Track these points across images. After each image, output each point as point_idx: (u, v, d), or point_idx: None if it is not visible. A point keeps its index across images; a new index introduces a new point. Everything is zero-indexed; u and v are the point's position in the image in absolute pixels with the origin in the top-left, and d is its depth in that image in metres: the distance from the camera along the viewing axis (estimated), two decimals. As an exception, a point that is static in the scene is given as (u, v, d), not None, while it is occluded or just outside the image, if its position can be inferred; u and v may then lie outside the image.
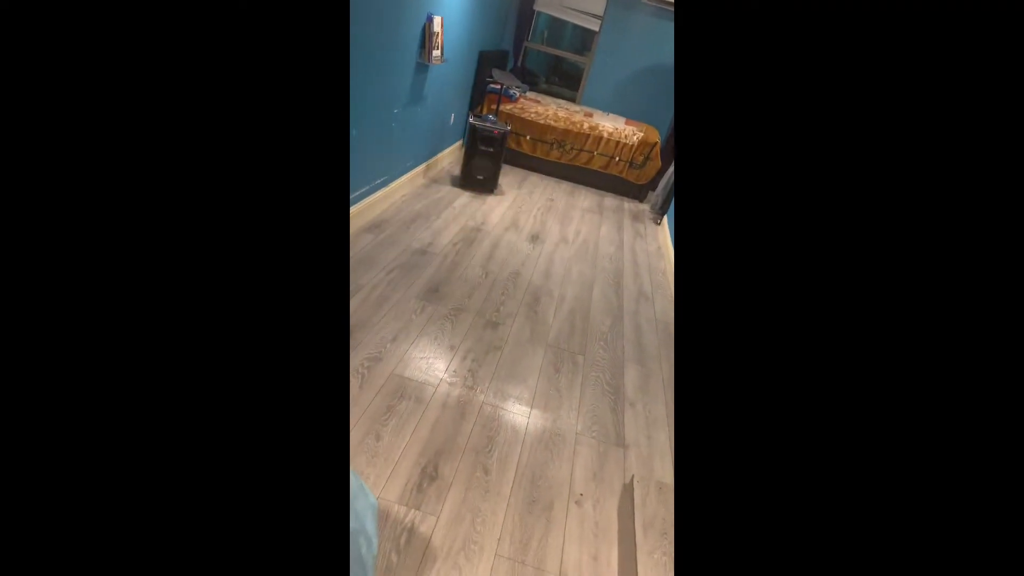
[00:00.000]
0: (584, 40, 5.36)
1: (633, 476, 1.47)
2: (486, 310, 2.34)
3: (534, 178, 4.55)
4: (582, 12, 5.10)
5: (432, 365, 1.89)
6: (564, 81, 5.84)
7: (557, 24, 5.53)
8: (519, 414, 1.76)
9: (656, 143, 4.42)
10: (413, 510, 1.35)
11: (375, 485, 1.39)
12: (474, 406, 1.74)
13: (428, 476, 1.45)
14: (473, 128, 3.59)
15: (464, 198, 3.63)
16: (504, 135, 3.64)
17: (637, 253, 3.47)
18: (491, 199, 3.76)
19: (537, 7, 5.16)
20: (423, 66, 3.11)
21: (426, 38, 2.97)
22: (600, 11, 5.05)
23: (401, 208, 3.17)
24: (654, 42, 5.02)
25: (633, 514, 1.31)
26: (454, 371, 1.89)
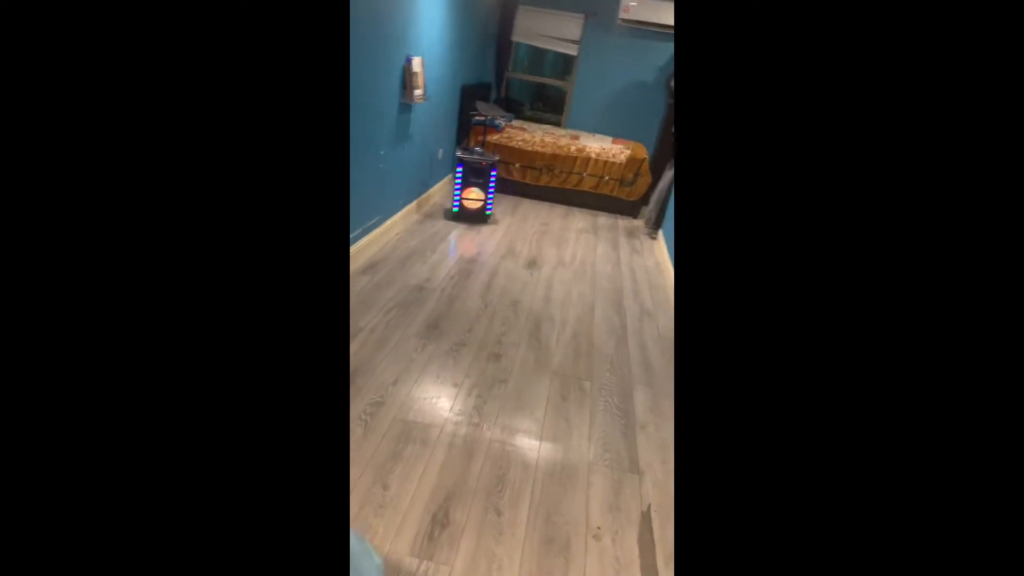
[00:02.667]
0: (566, 65, 5.46)
1: (650, 505, 1.42)
2: (488, 342, 2.31)
3: (527, 204, 4.57)
4: (559, 39, 5.21)
5: (436, 405, 1.86)
6: (549, 106, 5.92)
7: (537, 51, 5.64)
8: (529, 448, 1.72)
9: (644, 159, 4.45)
10: (426, 561, 1.30)
11: (384, 538, 1.34)
12: (482, 444, 1.70)
13: (439, 523, 1.40)
14: (461, 161, 3.62)
15: (458, 230, 3.64)
16: (492, 165, 3.67)
17: (635, 270, 3.45)
18: (485, 229, 3.77)
19: (515, 38, 5.27)
20: (406, 106, 3.16)
21: (407, 78, 3.02)
22: (577, 36, 5.16)
23: (396, 246, 3.17)
24: (631, 61, 5.11)
25: (654, 547, 1.26)
26: (459, 410, 1.85)
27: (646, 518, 1.43)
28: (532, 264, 3.28)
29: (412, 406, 1.83)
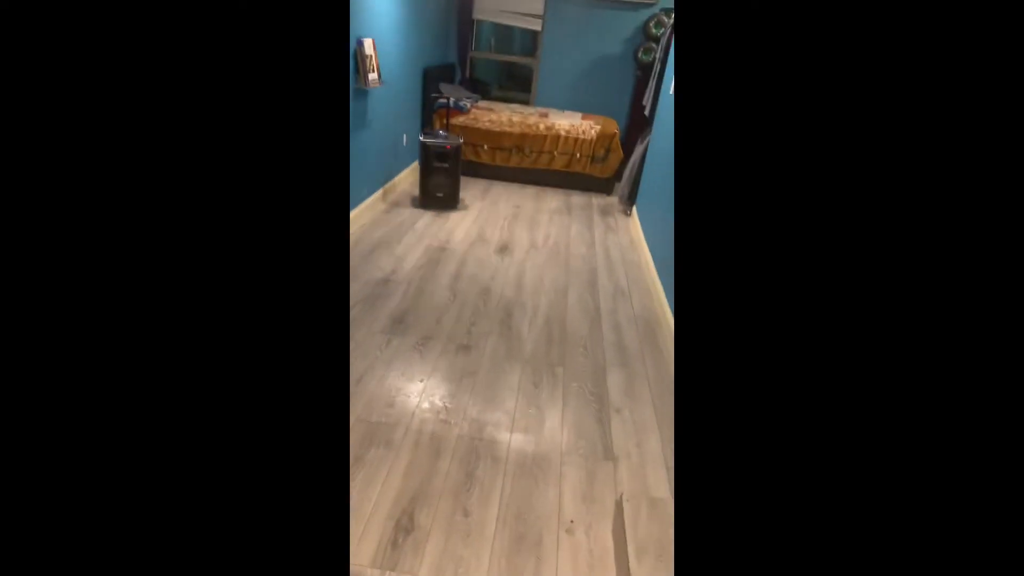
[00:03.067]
0: (535, 42, 5.30)
1: (623, 494, 1.37)
2: (456, 334, 2.23)
3: (498, 187, 4.47)
4: (522, 14, 5.05)
5: (401, 404, 1.78)
6: (518, 85, 5.77)
7: (504, 29, 5.47)
8: (499, 442, 1.66)
9: (615, 133, 4.35)
10: (388, 572, 1.23)
11: (345, 550, 1.27)
12: (449, 441, 1.63)
13: (403, 529, 1.34)
14: (425, 146, 3.49)
15: (426, 218, 3.53)
16: (457, 148, 3.55)
17: (610, 248, 3.39)
18: (455, 215, 3.67)
19: (476, 15, 5.10)
20: (361, 91, 3.02)
21: (359, 63, 2.88)
22: (540, 10, 5.00)
23: (360, 239, 3.06)
24: (596, 33, 4.98)
25: (625, 539, 1.21)
26: (426, 407, 1.78)
27: (619, 508, 1.38)
28: (503, 249, 3.19)
29: (375, 406, 1.75)
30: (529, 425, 1.74)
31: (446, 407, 1.78)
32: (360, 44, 2.85)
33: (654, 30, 4.74)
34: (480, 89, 5.44)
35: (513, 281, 2.78)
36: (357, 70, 2.89)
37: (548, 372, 2.04)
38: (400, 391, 1.84)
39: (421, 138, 3.53)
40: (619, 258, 3.25)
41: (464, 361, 2.05)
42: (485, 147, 4.44)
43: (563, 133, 4.35)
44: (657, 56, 3.79)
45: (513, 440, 1.67)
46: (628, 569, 1.14)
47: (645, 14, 4.85)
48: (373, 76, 3.00)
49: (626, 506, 1.30)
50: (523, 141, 4.39)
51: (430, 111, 4.36)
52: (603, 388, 1.98)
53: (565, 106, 5.21)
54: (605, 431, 1.76)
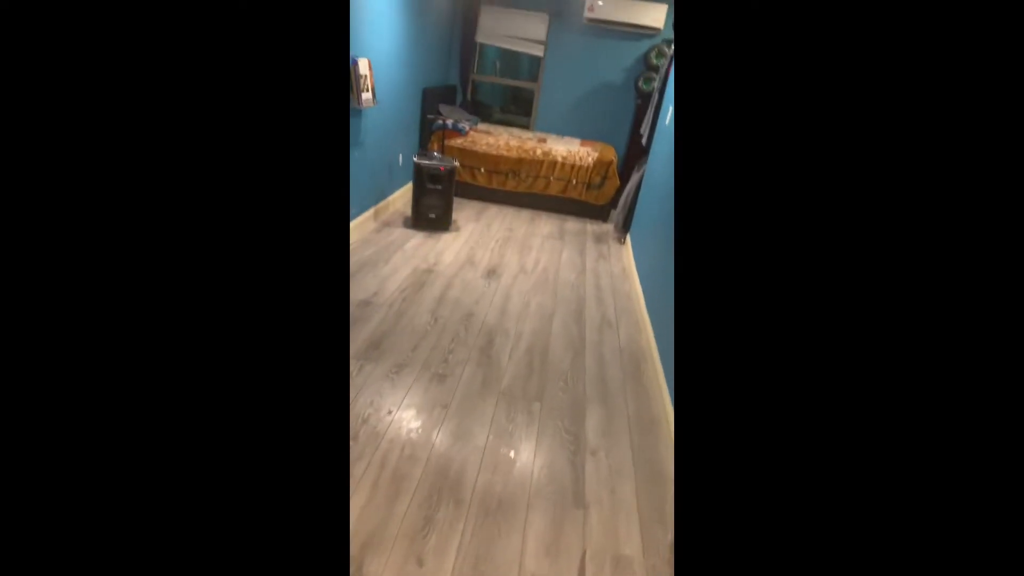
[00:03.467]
0: (535, 65, 5.32)
1: (585, 553, 1.27)
2: (432, 361, 2.15)
3: (492, 210, 4.43)
4: (524, 39, 5.08)
5: (366, 436, 1.69)
6: (522, 109, 5.78)
7: (509, 53, 5.51)
8: (464, 483, 1.56)
9: (612, 161, 4.33)
10: (327, 628, 1.13)
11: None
12: (411, 481, 1.54)
13: (350, 579, 1.24)
14: (419, 166, 3.46)
15: (417, 239, 3.48)
16: (451, 171, 3.52)
17: (600, 276, 3.32)
18: (446, 236, 3.62)
19: (479, 39, 5.13)
20: (355, 111, 3.00)
21: (352, 82, 2.86)
22: (542, 36, 5.03)
23: (346, 258, 3.00)
24: (598, 60, 4.99)
25: (584, 603, 1.12)
26: (390, 440, 1.69)
27: (583, 566, 1.29)
28: (491, 273, 3.13)
29: (338, 438, 1.66)
30: (498, 464, 1.65)
31: (412, 441, 1.70)
32: (355, 63, 2.84)
33: (655, 60, 4.75)
34: (481, 112, 5.45)
35: (498, 306, 2.71)
36: (351, 89, 2.87)
37: (524, 407, 1.95)
38: (366, 422, 1.75)
39: (415, 159, 3.50)
40: (609, 287, 3.18)
41: (437, 391, 1.96)
42: (482, 170, 4.42)
43: (560, 159, 4.33)
44: (655, 86, 3.78)
45: (479, 481, 1.58)
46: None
47: (647, 44, 4.88)
48: (367, 96, 2.98)
49: (589, 564, 1.21)
50: (520, 165, 4.37)
51: (428, 132, 4.35)
52: (580, 426, 1.89)
53: (565, 131, 5.21)
54: (578, 475, 1.66)
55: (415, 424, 1.78)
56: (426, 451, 1.66)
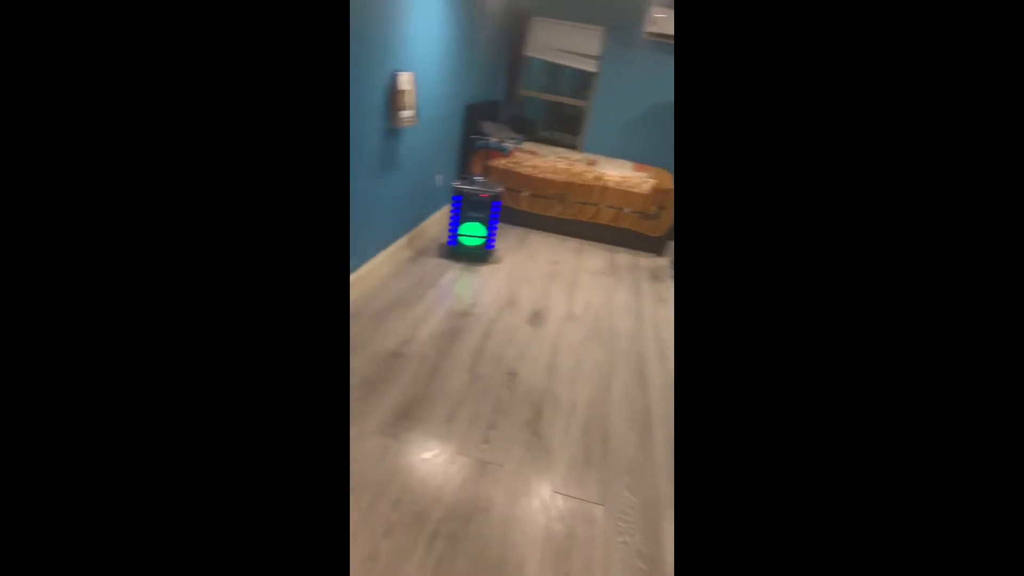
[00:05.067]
0: (585, 82, 4.96)
1: None
2: (471, 440, 1.78)
3: (536, 237, 4.07)
4: (577, 54, 4.74)
5: (386, 561, 1.33)
6: (567, 127, 5.43)
7: (555, 67, 5.17)
8: (511, 640, 1.18)
9: (670, 189, 3.91)
10: None
11: None
12: (442, 636, 1.17)
13: None
14: (459, 193, 3.13)
15: (453, 272, 3.14)
16: (496, 196, 3.17)
17: (661, 326, 2.91)
18: (485, 269, 3.27)
19: (529, 52, 4.81)
20: (392, 131, 2.68)
21: (392, 98, 2.55)
22: (596, 51, 4.68)
23: (376, 294, 2.68)
24: (658, 78, 4.60)
25: None
26: (418, 562, 1.32)
27: None
28: (536, 317, 2.75)
29: (354, 559, 1.30)
30: (555, 609, 1.26)
31: (440, 566, 1.32)
32: (395, 78, 2.53)
33: (720, 79, 4.34)
34: (526, 129, 5.11)
35: (545, 364, 2.33)
36: (390, 107, 2.56)
37: (583, 515, 1.56)
38: (388, 535, 1.39)
39: (455, 184, 3.17)
40: (671, 339, 2.76)
41: (475, 488, 1.59)
42: (526, 194, 4.07)
43: (612, 184, 3.94)
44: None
45: (532, 637, 1.19)
46: None
47: (711, 61, 4.47)
48: (408, 113, 2.67)
49: None
50: (568, 190, 4.00)
51: (469, 151, 4.03)
52: (657, 546, 1.49)
53: (615, 153, 4.83)
54: (661, 631, 1.26)
55: (447, 538, 1.40)
56: (463, 583, 1.29)
